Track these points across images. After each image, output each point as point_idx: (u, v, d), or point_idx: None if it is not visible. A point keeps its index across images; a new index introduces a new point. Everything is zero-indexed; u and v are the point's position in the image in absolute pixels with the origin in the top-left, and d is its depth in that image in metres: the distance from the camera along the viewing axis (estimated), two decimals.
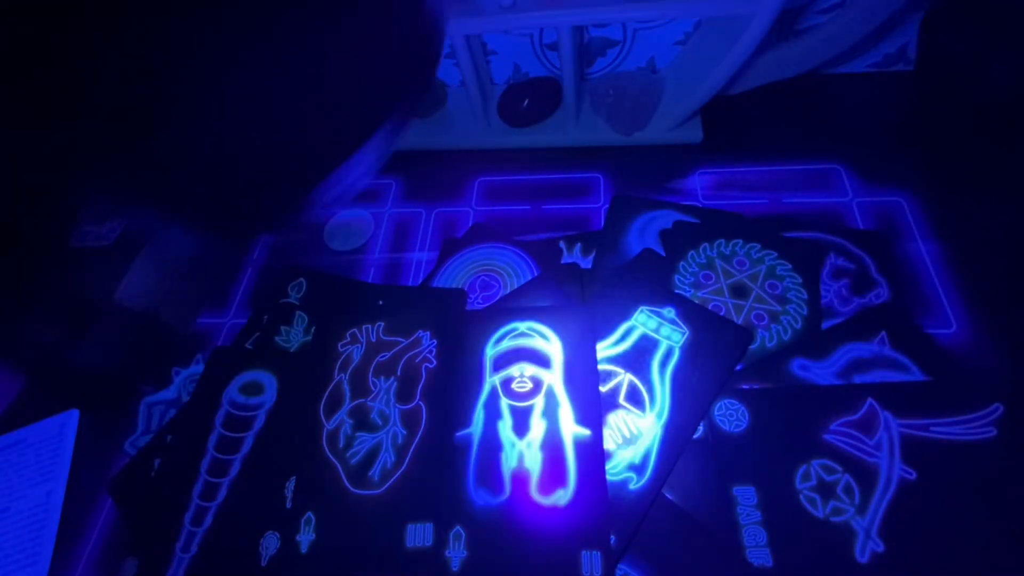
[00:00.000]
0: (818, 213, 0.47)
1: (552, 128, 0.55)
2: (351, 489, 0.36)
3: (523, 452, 0.36)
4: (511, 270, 0.45)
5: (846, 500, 0.33)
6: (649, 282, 0.42)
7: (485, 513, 0.34)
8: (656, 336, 0.39)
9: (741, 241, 0.44)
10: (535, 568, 0.33)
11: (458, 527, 0.34)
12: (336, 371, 0.40)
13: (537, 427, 0.37)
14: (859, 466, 0.34)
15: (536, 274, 0.45)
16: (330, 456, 0.37)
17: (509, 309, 0.42)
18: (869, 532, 0.32)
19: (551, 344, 0.40)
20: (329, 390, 0.40)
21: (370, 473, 0.36)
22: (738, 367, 0.38)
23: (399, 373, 0.40)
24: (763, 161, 0.51)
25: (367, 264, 0.50)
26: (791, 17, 0.52)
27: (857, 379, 0.37)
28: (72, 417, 0.43)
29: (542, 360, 0.39)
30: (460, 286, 0.45)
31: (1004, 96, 0.47)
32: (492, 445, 0.36)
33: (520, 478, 0.35)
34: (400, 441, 0.37)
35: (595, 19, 0.45)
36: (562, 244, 0.47)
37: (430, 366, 0.40)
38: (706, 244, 0.44)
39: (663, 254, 0.44)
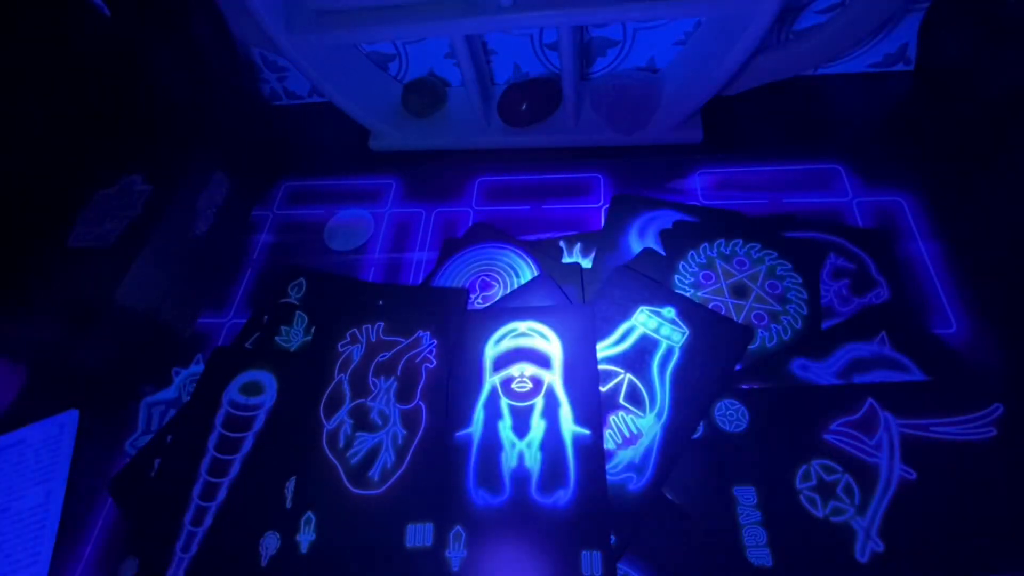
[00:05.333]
0: (818, 213, 0.47)
1: (552, 128, 0.55)
2: (351, 489, 0.36)
3: (523, 452, 0.36)
4: (511, 270, 0.45)
5: (846, 500, 0.33)
6: (649, 282, 0.42)
7: (485, 513, 0.34)
8: (656, 336, 0.39)
9: (741, 241, 0.44)
10: (535, 568, 0.33)
11: (458, 527, 0.34)
12: (336, 371, 0.40)
13: (537, 427, 0.37)
14: (859, 466, 0.34)
15: (536, 274, 0.45)
16: (330, 456, 0.37)
17: (509, 309, 0.42)
18: (869, 532, 0.32)
19: (551, 344, 0.40)
20: (329, 390, 0.40)
21: (370, 473, 0.36)
22: (738, 367, 0.38)
23: (399, 373, 0.40)
24: (763, 161, 0.51)
25: (367, 264, 0.50)
26: (791, 17, 0.52)
27: (857, 379, 0.37)
28: (72, 417, 0.43)
29: (542, 360, 0.39)
30: (460, 286, 0.45)
31: (1004, 96, 0.47)
32: (492, 445, 0.36)
33: (520, 478, 0.35)
34: (400, 441, 0.37)
35: (595, 19, 0.45)
36: (562, 244, 0.47)
37: (430, 366, 0.40)
38: (706, 244, 0.44)
39: (663, 254, 0.44)
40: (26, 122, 0.47)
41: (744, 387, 0.38)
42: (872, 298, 0.41)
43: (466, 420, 0.37)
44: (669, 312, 0.40)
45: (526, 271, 0.45)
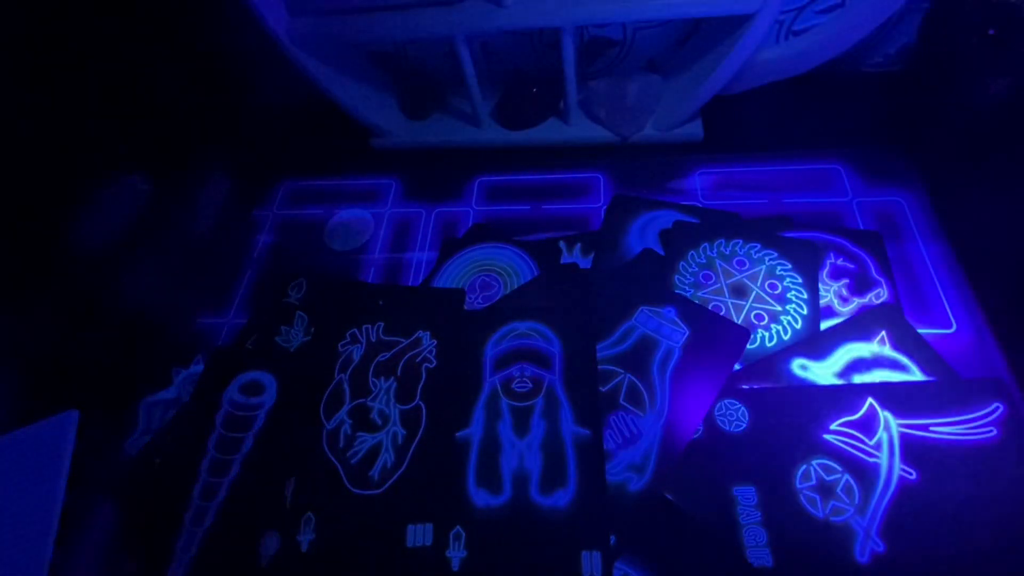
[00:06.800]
0: (818, 213, 0.47)
1: (552, 128, 0.55)
2: (351, 489, 0.36)
3: (523, 452, 0.36)
4: (511, 270, 0.45)
5: (846, 500, 0.33)
6: (649, 282, 0.42)
7: (485, 513, 0.34)
8: (656, 336, 0.39)
9: (741, 241, 0.44)
10: (535, 568, 0.33)
11: (458, 527, 0.34)
12: (336, 371, 0.40)
13: (537, 427, 0.37)
14: (859, 466, 0.34)
15: (536, 274, 0.45)
16: (330, 456, 0.37)
17: (509, 309, 0.42)
18: (869, 532, 0.32)
19: (551, 344, 0.40)
20: (329, 390, 0.40)
21: (370, 473, 0.36)
22: (738, 367, 0.38)
23: (399, 373, 0.40)
24: (763, 161, 0.51)
25: (367, 264, 0.50)
26: (791, 17, 0.52)
27: (857, 379, 0.37)
28: (72, 417, 0.43)
29: (542, 360, 0.39)
30: (460, 286, 0.45)
31: (1004, 96, 0.47)
32: (492, 445, 0.36)
33: (520, 478, 0.35)
34: (400, 441, 0.37)
35: (595, 19, 0.45)
36: (562, 244, 0.47)
37: (430, 366, 0.40)
38: (706, 244, 0.44)
39: (663, 254, 0.44)
40: (26, 122, 0.47)
41: (744, 387, 0.38)
42: (872, 298, 0.41)
43: (466, 420, 0.37)
44: (669, 312, 0.40)
45: (526, 271, 0.45)
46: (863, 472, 0.34)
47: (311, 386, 0.40)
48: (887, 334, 0.39)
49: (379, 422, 0.38)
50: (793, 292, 0.41)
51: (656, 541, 0.34)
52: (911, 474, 0.33)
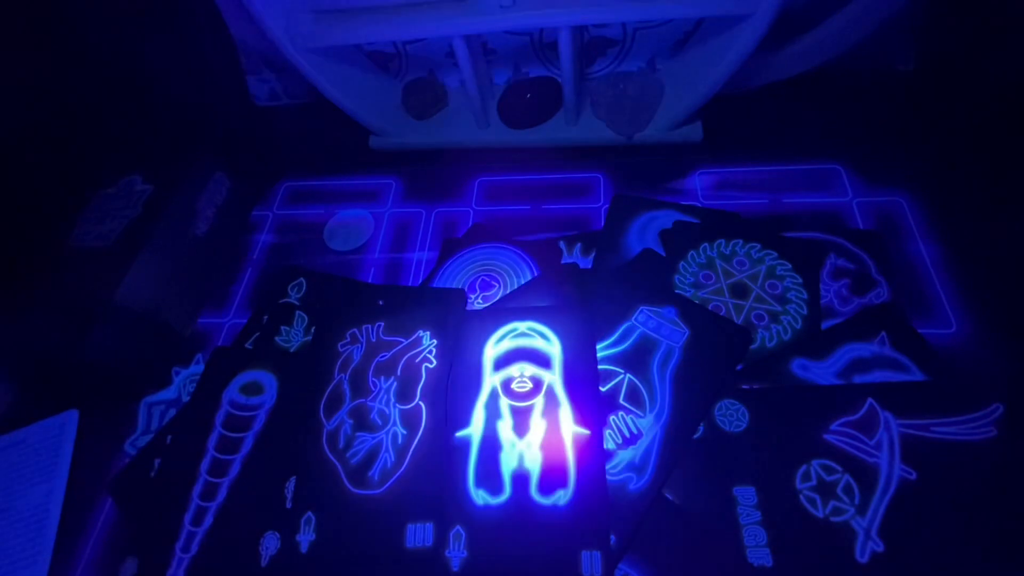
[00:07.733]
0: (818, 213, 0.47)
1: (552, 128, 0.55)
2: (351, 489, 0.36)
3: (523, 452, 0.36)
4: (511, 270, 0.45)
5: (846, 500, 0.33)
6: (649, 282, 0.42)
7: (485, 513, 0.34)
8: (656, 336, 0.39)
9: (741, 241, 0.44)
10: (535, 568, 0.33)
11: (458, 527, 0.34)
12: (336, 371, 0.40)
13: (537, 427, 0.37)
14: (859, 466, 0.34)
15: (536, 274, 0.45)
16: (330, 456, 0.37)
17: (509, 309, 0.42)
18: (869, 532, 0.32)
19: (551, 344, 0.40)
20: (329, 390, 0.40)
21: (370, 473, 0.36)
22: (738, 367, 0.38)
23: (399, 373, 0.40)
24: (763, 161, 0.51)
25: (367, 264, 0.50)
26: (791, 17, 0.52)
27: (857, 379, 0.37)
28: (72, 417, 0.43)
29: (542, 360, 0.39)
30: (460, 286, 0.45)
31: (1004, 96, 0.47)
32: (492, 445, 0.36)
33: (520, 478, 0.35)
34: (400, 441, 0.37)
35: (595, 19, 0.45)
36: (562, 244, 0.47)
37: (430, 366, 0.40)
38: (706, 244, 0.44)
39: (663, 254, 0.44)
40: (27, 122, 0.47)
41: (744, 387, 0.38)
42: (872, 298, 0.41)
43: (466, 420, 0.37)
44: (669, 312, 0.40)
45: (526, 271, 0.45)
46: (863, 472, 0.34)
47: (311, 386, 0.40)
48: (887, 334, 0.39)
49: (379, 422, 0.38)
50: (793, 292, 0.41)
51: (656, 541, 0.34)
52: (911, 474, 0.33)
